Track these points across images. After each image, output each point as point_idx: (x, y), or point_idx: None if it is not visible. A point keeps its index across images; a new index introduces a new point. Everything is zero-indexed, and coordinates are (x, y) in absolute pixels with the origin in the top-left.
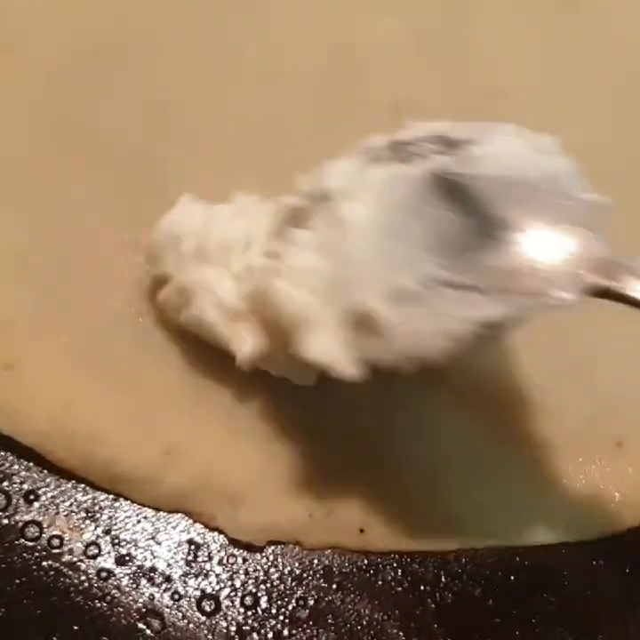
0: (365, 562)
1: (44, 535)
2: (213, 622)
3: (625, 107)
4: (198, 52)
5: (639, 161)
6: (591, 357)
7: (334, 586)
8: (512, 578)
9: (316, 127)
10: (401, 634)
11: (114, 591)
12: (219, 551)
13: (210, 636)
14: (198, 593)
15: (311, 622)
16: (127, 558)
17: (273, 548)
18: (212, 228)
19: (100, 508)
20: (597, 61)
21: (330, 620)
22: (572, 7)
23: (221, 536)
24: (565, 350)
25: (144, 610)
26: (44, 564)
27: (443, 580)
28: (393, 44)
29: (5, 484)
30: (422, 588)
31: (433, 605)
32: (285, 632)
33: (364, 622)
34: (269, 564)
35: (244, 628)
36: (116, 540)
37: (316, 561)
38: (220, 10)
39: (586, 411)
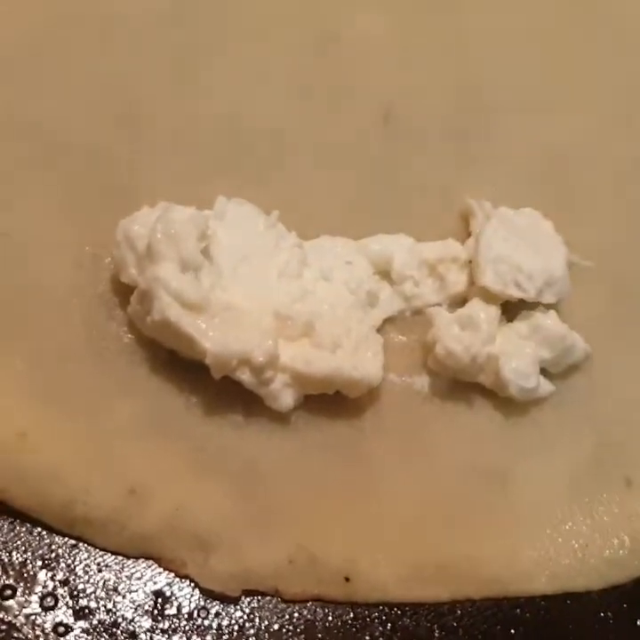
0: (351, 615)
1: None
2: None
3: (623, 104)
4: (168, 41)
5: (635, 159)
6: (597, 389)
7: None
8: (512, 632)
9: (296, 130)
10: None
11: None
12: (189, 604)
13: None
14: None
15: None
16: (87, 611)
17: (249, 599)
18: (159, 225)
19: (58, 554)
20: (592, 59)
21: None
22: (565, 3)
23: (192, 586)
24: (569, 382)
25: None
26: None
27: (436, 634)
28: (381, 42)
29: None
30: None
31: None
32: None
33: None
34: (245, 618)
35: None
36: (75, 592)
37: (296, 614)
38: (192, 1)
39: (592, 446)
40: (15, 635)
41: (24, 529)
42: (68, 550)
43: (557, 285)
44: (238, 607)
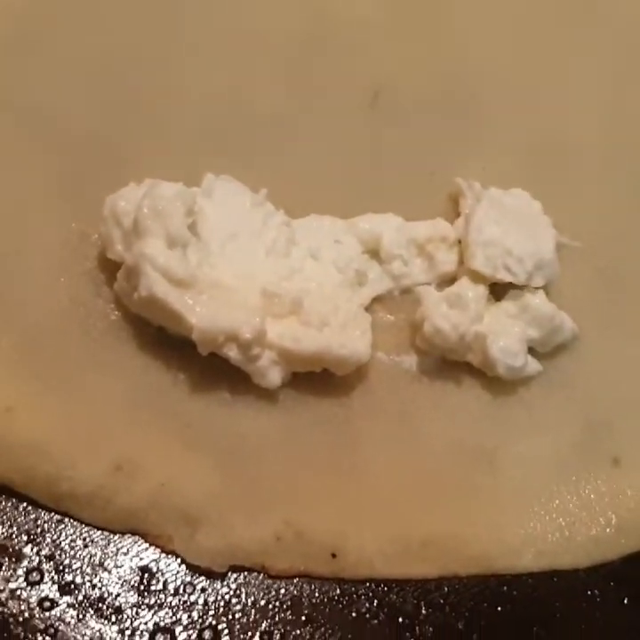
0: (337, 591)
1: None
2: None
3: (611, 86)
4: (155, 22)
5: (623, 141)
6: (584, 368)
7: (303, 618)
8: (499, 609)
9: (284, 108)
10: None
11: (57, 623)
12: (175, 579)
13: None
14: (151, 626)
15: None
16: (72, 587)
17: (235, 575)
18: (145, 201)
19: (43, 529)
20: (583, 42)
21: None
22: None
23: (178, 561)
24: (556, 361)
25: None
26: None
27: (423, 611)
28: (371, 25)
29: None
30: (400, 620)
31: None
32: None
33: None
34: (231, 593)
35: None
36: (61, 567)
37: (282, 590)
38: None
39: (579, 426)
40: (1, 610)
41: (9, 504)
42: (53, 525)
43: (547, 268)
44: (225, 583)
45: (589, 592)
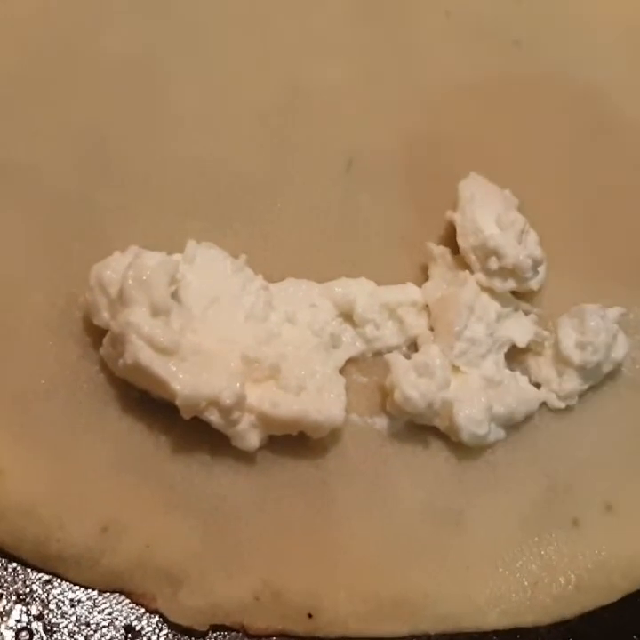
0: None
1: None
2: None
3: (570, 154)
4: (140, 89)
5: (585, 202)
6: (547, 434)
7: None
8: None
9: (263, 176)
10: None
11: None
12: (158, 637)
13: None
14: None
15: None
16: None
17: (216, 634)
18: (130, 271)
19: (32, 589)
20: (531, 113)
21: None
22: (522, 48)
23: (161, 620)
24: (520, 426)
25: None
26: None
27: None
28: (343, 90)
29: None
30: None
31: None
32: None
33: None
34: None
35: None
36: (49, 626)
37: None
38: (163, 48)
39: (541, 488)
40: None
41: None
42: (42, 585)
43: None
44: None
45: None
